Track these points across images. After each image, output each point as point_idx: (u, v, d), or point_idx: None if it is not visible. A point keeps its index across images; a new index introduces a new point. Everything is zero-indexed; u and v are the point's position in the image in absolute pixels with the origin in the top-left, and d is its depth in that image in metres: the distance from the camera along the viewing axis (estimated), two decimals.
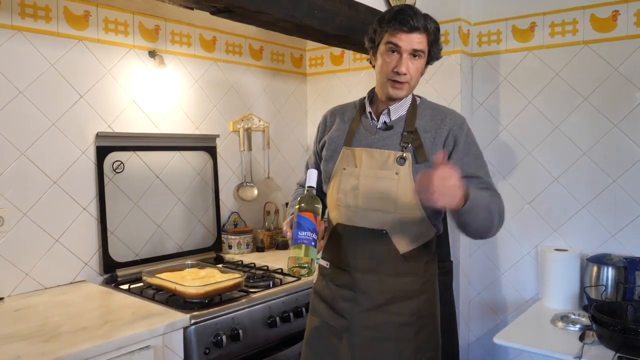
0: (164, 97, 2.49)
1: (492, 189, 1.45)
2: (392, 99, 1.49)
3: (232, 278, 1.99)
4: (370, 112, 1.55)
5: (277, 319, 2.01)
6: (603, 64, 2.34)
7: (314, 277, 1.54)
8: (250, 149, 2.90)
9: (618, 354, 1.69)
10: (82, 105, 2.17)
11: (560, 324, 2.05)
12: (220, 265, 2.41)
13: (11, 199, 1.96)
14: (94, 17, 2.20)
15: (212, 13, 1.79)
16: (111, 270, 2.22)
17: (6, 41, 1.94)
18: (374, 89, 1.58)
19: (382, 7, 2.29)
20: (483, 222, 1.37)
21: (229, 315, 1.87)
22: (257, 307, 1.97)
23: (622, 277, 2.15)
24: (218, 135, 2.73)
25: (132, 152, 2.34)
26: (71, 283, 2.13)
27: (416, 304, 1.50)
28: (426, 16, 1.44)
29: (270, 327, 1.99)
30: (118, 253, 2.26)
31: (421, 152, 1.45)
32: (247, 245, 2.76)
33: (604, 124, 2.34)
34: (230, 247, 2.72)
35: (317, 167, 1.65)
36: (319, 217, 1.35)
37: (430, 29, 1.44)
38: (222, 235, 2.72)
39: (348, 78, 3.10)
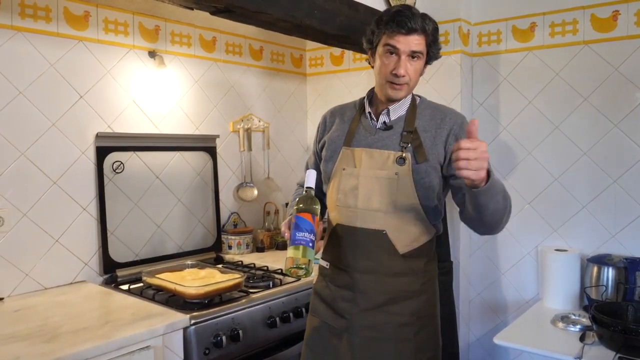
0: (163, 98, 2.49)
1: None
2: (392, 100, 1.49)
3: (232, 278, 1.99)
4: (369, 112, 1.55)
5: (277, 319, 2.01)
6: (603, 64, 2.33)
7: (313, 277, 1.54)
8: (250, 149, 2.90)
9: (618, 355, 1.69)
10: (82, 105, 2.17)
11: (560, 325, 2.05)
12: (220, 266, 2.41)
13: (11, 199, 1.96)
14: (94, 17, 2.20)
15: (212, 13, 1.79)
16: (111, 271, 2.22)
17: (6, 41, 1.94)
18: (373, 89, 1.57)
19: (382, 7, 2.28)
20: (497, 207, 1.32)
21: (228, 315, 1.87)
22: (257, 307, 1.97)
23: (622, 277, 2.15)
24: (218, 136, 2.73)
25: (132, 153, 2.34)
26: (71, 283, 2.13)
27: (416, 304, 1.50)
28: (424, 16, 1.43)
29: (270, 328, 1.99)
30: (118, 253, 2.26)
31: (421, 151, 1.45)
32: (247, 245, 2.76)
33: (604, 124, 2.34)
34: (230, 247, 2.72)
35: (317, 168, 1.65)
36: (317, 218, 1.35)
37: (429, 29, 1.43)
38: (222, 236, 2.72)
39: (348, 78, 3.10)
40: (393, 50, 1.43)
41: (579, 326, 2.00)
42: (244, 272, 2.19)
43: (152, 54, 2.41)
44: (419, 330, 1.49)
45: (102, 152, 2.22)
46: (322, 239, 1.45)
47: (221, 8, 1.73)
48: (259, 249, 2.82)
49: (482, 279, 2.72)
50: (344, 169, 1.52)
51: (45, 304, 1.87)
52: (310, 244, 1.31)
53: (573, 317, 2.12)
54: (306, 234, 1.31)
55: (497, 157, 2.62)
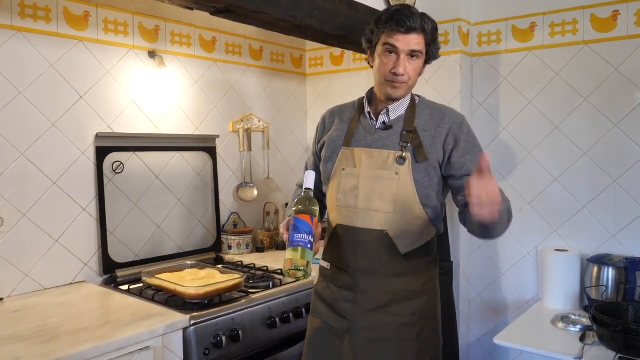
0: (163, 98, 2.49)
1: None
2: (391, 99, 1.49)
3: (232, 279, 1.99)
4: (369, 112, 1.55)
5: (277, 319, 2.01)
6: (603, 64, 2.33)
7: (314, 278, 1.54)
8: (250, 149, 2.90)
9: (619, 355, 1.68)
10: (82, 105, 2.17)
11: (560, 325, 2.04)
12: (220, 266, 2.41)
13: (11, 199, 1.96)
14: (94, 17, 2.20)
15: (212, 13, 1.79)
16: (111, 271, 2.22)
17: (6, 41, 1.94)
18: (372, 88, 1.57)
19: (381, 7, 2.28)
20: (502, 224, 1.34)
21: (228, 316, 1.86)
22: (257, 307, 1.97)
23: (622, 277, 2.14)
24: (218, 136, 2.72)
25: (131, 153, 2.34)
26: (71, 284, 2.12)
27: (417, 304, 1.49)
28: (423, 16, 1.43)
29: (270, 328, 1.99)
30: (118, 254, 2.25)
31: (421, 151, 1.45)
32: (247, 245, 2.75)
33: (604, 124, 2.34)
34: (230, 247, 2.72)
35: (316, 168, 1.65)
36: (316, 219, 1.34)
37: (428, 29, 1.43)
38: (222, 236, 2.72)
39: (348, 78, 3.10)
40: (392, 49, 1.43)
41: (579, 326, 2.00)
42: (244, 272, 2.19)
43: (152, 54, 2.41)
44: (421, 330, 1.49)
45: (102, 152, 2.22)
46: (322, 239, 1.45)
47: (221, 8, 1.73)
48: (259, 249, 2.82)
49: (482, 279, 2.72)
50: (343, 169, 1.52)
51: (45, 305, 1.87)
52: (309, 246, 1.30)
53: (573, 317, 2.11)
54: (305, 236, 1.30)
55: (497, 157, 2.61)
